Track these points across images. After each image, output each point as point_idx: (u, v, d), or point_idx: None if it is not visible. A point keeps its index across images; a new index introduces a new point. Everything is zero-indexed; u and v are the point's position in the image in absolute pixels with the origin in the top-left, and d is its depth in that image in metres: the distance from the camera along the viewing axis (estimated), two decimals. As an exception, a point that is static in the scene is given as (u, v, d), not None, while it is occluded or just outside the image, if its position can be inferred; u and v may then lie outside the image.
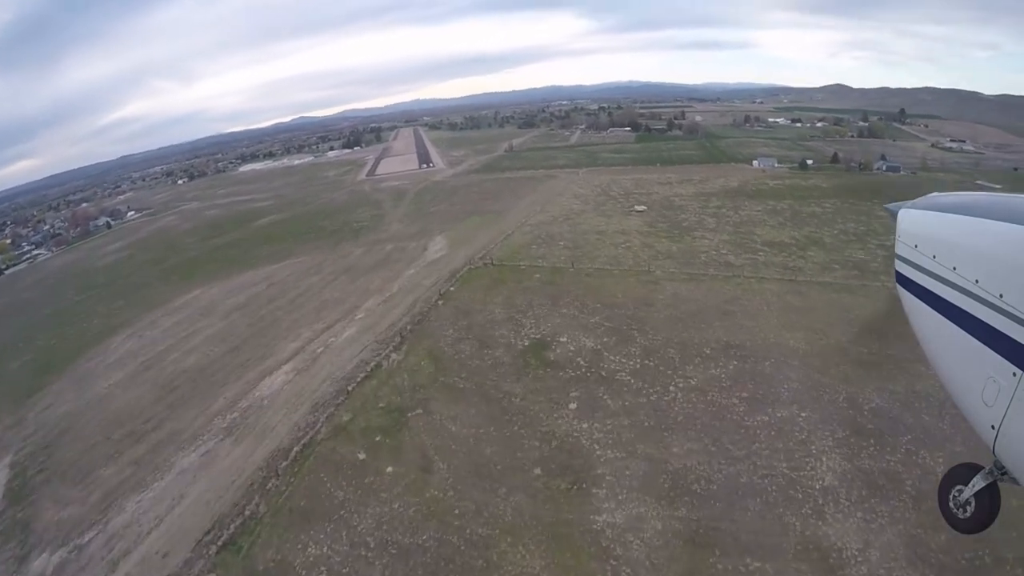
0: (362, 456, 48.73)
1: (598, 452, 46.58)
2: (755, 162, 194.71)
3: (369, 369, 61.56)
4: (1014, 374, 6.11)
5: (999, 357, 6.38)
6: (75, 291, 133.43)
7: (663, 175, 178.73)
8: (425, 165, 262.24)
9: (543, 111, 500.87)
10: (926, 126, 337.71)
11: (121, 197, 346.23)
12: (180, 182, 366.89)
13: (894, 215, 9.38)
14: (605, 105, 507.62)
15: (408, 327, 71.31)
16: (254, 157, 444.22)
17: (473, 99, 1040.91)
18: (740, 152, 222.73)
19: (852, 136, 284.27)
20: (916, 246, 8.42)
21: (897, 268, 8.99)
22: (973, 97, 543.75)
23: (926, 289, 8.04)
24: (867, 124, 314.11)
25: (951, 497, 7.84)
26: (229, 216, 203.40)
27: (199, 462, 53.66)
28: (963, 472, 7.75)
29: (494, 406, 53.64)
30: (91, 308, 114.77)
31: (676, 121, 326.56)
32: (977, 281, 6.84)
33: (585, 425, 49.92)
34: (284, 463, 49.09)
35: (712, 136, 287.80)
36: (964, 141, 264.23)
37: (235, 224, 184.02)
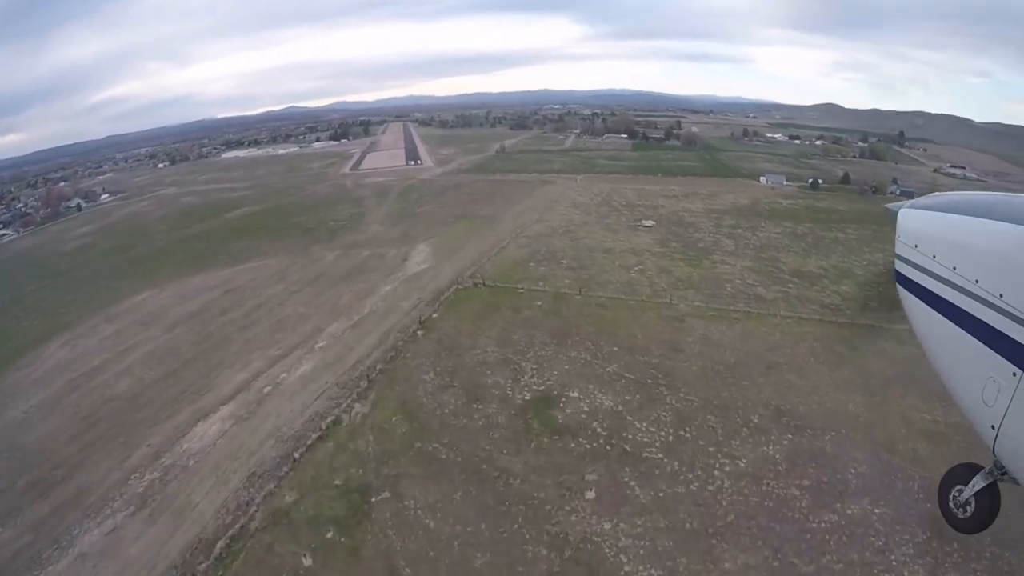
0: (307, 562, 35.15)
1: (627, 569, 33.55)
2: (763, 179, 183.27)
3: (325, 426, 47.61)
4: (1014, 374, 6.22)
5: (999, 357, 6.46)
6: (29, 280, 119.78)
7: (666, 187, 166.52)
8: (413, 162, 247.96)
9: (535, 113, 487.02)
10: (925, 150, 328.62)
11: (100, 178, 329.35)
12: (161, 166, 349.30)
13: (894, 215, 9.45)
14: (599, 111, 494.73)
15: (378, 367, 57.40)
16: (239, 144, 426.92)
17: (465, 98, 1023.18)
18: (743, 167, 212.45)
19: (854, 156, 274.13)
20: (916, 246, 8.46)
21: (897, 268, 9.18)
22: (965, 124, 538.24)
23: (926, 289, 8.02)
24: (867, 145, 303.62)
25: (951, 497, 8.01)
26: (204, 205, 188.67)
27: (102, 544, 39.77)
28: (963, 472, 7.88)
29: (486, 490, 40.11)
30: (39, 302, 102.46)
31: (673, 131, 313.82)
32: (977, 281, 6.89)
33: (608, 525, 36.77)
34: (204, 563, 35.27)
35: (711, 148, 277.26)
36: (964, 167, 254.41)
37: (208, 214, 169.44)
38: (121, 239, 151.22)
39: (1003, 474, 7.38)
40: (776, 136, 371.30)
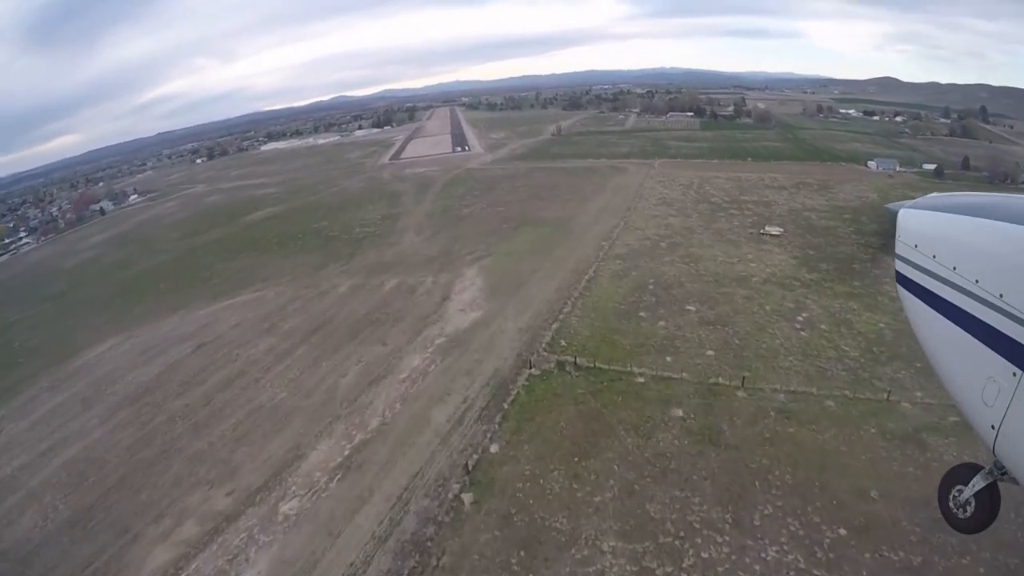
0: None
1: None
2: (872, 163, 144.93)
3: None
4: (1014, 374, 5.92)
5: (999, 357, 6.18)
6: (14, 308, 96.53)
7: (764, 174, 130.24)
8: (459, 148, 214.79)
9: (587, 93, 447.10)
10: (1012, 127, 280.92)
11: (139, 176, 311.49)
12: (199, 161, 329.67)
13: (894, 215, 9.02)
14: (652, 89, 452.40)
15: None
16: (281, 135, 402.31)
17: (512, 81, 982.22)
18: (835, 148, 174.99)
19: (946, 135, 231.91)
20: (916, 246, 8.14)
21: (897, 268, 8.72)
22: None
23: (926, 289, 7.80)
24: (957, 121, 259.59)
25: (951, 497, 7.60)
26: (227, 205, 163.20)
27: None
28: (963, 472, 7.52)
29: None
30: (7, 344, 79.19)
31: (743, 108, 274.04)
32: (977, 281, 6.64)
33: None
34: None
35: (789, 126, 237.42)
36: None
37: (227, 217, 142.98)
38: (127, 251, 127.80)
39: (1003, 474, 6.81)
40: (850, 112, 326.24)
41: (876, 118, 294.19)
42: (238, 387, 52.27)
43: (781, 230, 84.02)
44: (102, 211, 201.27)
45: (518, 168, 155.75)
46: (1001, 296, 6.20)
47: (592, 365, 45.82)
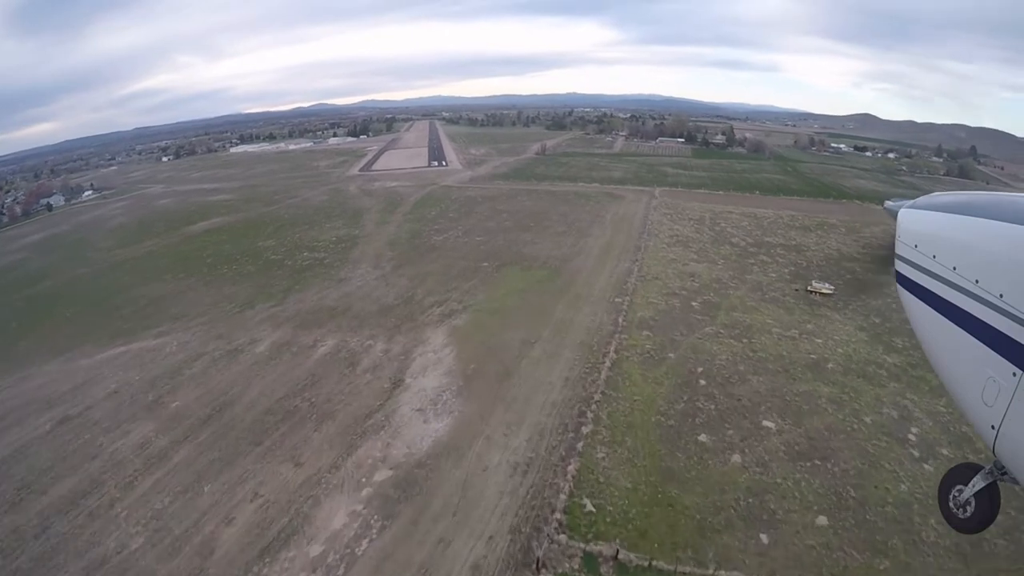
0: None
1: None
2: (889, 203, 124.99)
3: None
4: (1014, 374, 5.79)
5: (999, 357, 6.04)
6: None
7: (780, 211, 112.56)
8: (436, 163, 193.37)
9: (570, 115, 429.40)
10: (1002, 168, 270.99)
11: (103, 171, 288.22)
12: (165, 159, 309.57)
13: (894, 215, 8.90)
14: (635, 114, 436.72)
15: None
16: (253, 138, 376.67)
17: (494, 99, 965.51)
18: (841, 184, 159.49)
19: (943, 174, 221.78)
20: (916, 246, 7.98)
21: (897, 268, 8.51)
22: (1007, 138, 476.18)
23: (926, 289, 7.62)
24: (951, 161, 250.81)
25: (951, 497, 7.46)
26: (174, 211, 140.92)
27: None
28: (963, 472, 7.39)
29: None
30: None
31: (736, 137, 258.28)
32: (977, 281, 6.50)
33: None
34: None
35: (783, 159, 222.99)
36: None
37: (171, 224, 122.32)
38: (51, 259, 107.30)
39: (1003, 474, 6.68)
40: (840, 146, 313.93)
41: (868, 154, 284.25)
42: (84, 513, 32.39)
43: (832, 288, 64.71)
44: (49, 207, 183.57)
45: (500, 189, 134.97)
46: (1001, 296, 5.96)
47: (647, 564, 24.62)
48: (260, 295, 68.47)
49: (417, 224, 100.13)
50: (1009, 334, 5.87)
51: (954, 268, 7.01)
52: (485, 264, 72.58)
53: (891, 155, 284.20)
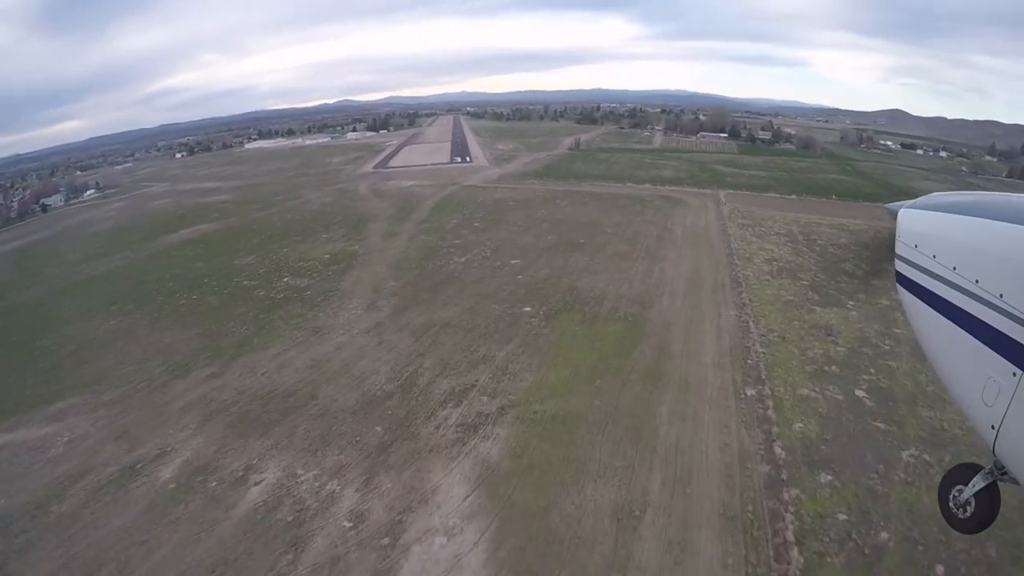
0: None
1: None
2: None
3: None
4: (1014, 374, 5.59)
5: (999, 357, 5.84)
6: None
7: (870, 221, 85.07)
8: (459, 159, 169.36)
9: (597, 109, 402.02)
10: None
11: (118, 168, 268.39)
12: (178, 156, 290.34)
13: (894, 215, 8.63)
14: (665, 108, 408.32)
15: None
16: (272, 134, 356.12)
17: (519, 95, 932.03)
18: (911, 187, 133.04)
19: (1006, 176, 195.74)
20: (916, 246, 7.75)
21: (897, 268, 8.25)
22: None
23: (926, 289, 7.38)
24: (1006, 161, 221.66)
25: (951, 497, 7.22)
26: (164, 215, 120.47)
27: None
28: (963, 472, 7.15)
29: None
30: None
31: (783, 132, 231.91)
32: (977, 281, 6.28)
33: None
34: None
35: (838, 157, 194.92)
36: None
37: (150, 234, 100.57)
38: (7, 276, 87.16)
39: (1003, 474, 6.46)
40: (888, 143, 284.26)
41: (919, 152, 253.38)
42: None
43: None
44: (43, 208, 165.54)
45: (535, 190, 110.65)
46: (1001, 296, 5.79)
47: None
48: (204, 352, 45.85)
49: (433, 237, 76.71)
50: (1009, 334, 5.60)
51: (954, 268, 6.71)
52: (527, 309, 48.59)
53: (943, 154, 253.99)
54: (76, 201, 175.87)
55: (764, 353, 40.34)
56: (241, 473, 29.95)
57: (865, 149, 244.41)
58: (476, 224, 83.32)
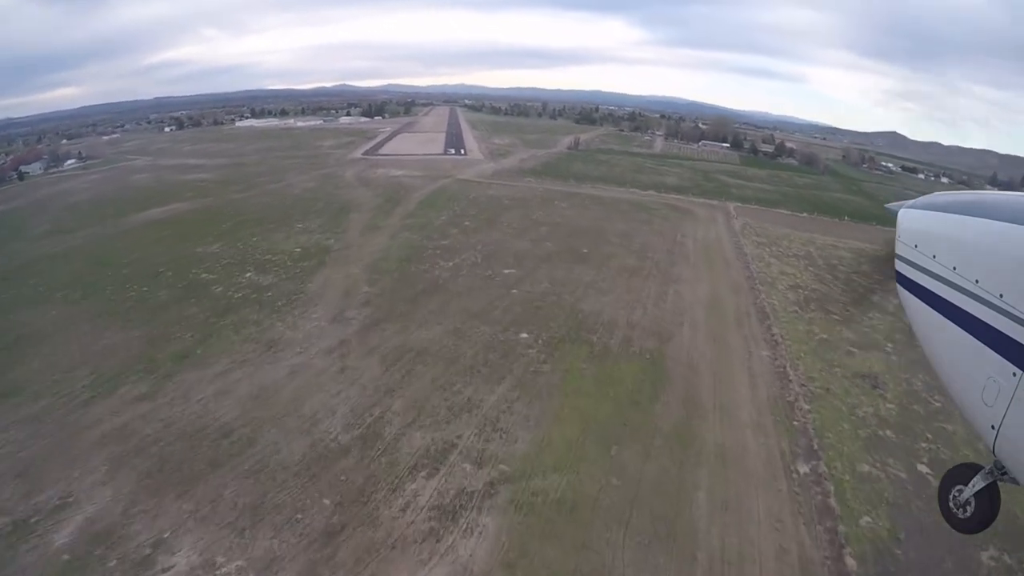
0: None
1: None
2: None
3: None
4: (1014, 374, 5.55)
5: (999, 357, 5.80)
6: None
7: (888, 247, 76.37)
8: (453, 151, 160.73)
9: (596, 111, 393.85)
10: None
11: (105, 138, 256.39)
12: (167, 130, 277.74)
13: (894, 215, 8.63)
14: (665, 115, 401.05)
15: None
16: (265, 113, 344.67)
17: (518, 91, 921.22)
18: None
19: None
20: (916, 246, 7.72)
21: (897, 268, 8.25)
22: None
23: (926, 289, 7.37)
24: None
25: (951, 497, 7.19)
26: (141, 190, 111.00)
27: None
28: (963, 472, 7.14)
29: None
30: None
31: (786, 146, 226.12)
32: (977, 281, 6.24)
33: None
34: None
35: (841, 176, 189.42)
36: None
37: (121, 210, 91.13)
38: None
39: (1003, 474, 6.44)
40: (888, 165, 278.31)
41: (921, 176, 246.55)
42: None
43: None
44: (20, 176, 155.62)
45: (532, 189, 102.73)
46: (1001, 296, 5.75)
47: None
48: (139, 363, 37.77)
49: (418, 235, 68.63)
50: (1009, 334, 5.56)
51: (954, 268, 6.68)
52: (523, 336, 40.56)
53: (944, 180, 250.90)
54: (55, 170, 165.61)
55: (810, 411, 32.86)
56: (148, 551, 22.04)
57: (867, 170, 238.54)
58: (467, 223, 75.28)
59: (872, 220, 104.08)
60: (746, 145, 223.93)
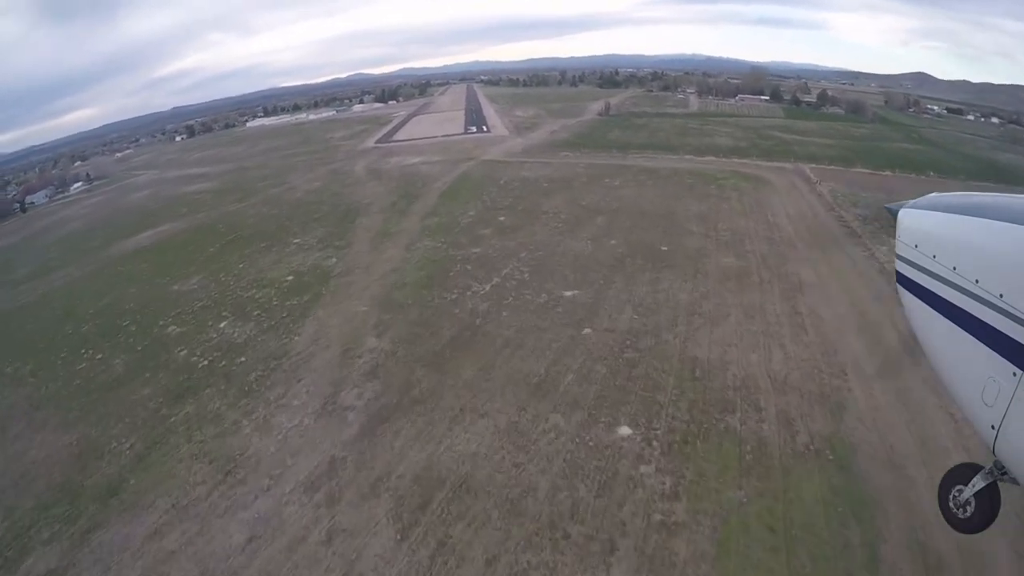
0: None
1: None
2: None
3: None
4: (1014, 374, 5.47)
5: (999, 357, 5.71)
6: None
7: None
8: (475, 129, 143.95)
9: (616, 74, 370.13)
10: None
11: (118, 155, 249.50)
12: (178, 139, 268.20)
13: (895, 215, 8.43)
14: (688, 72, 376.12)
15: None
16: (278, 111, 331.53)
17: (532, 63, 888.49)
18: (993, 158, 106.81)
19: None
20: (916, 246, 7.59)
21: (897, 268, 8.16)
22: None
23: (926, 289, 7.25)
24: None
25: (951, 497, 7.08)
26: (136, 210, 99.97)
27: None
28: (963, 472, 7.04)
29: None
30: None
31: (829, 95, 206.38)
32: (977, 281, 6.14)
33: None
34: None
35: (893, 123, 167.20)
36: None
37: (114, 236, 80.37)
38: None
39: (1003, 474, 6.32)
40: (933, 108, 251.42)
41: (971, 118, 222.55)
42: None
43: None
44: (23, 208, 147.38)
45: (571, 165, 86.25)
46: (1001, 296, 5.62)
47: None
48: (60, 499, 25.38)
49: (442, 242, 53.21)
50: (1009, 334, 5.46)
51: (954, 268, 6.55)
52: (625, 432, 24.21)
53: (995, 120, 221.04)
54: (60, 197, 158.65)
55: None
56: None
57: (914, 114, 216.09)
58: (502, 219, 59.38)
59: (960, 174, 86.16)
60: (786, 96, 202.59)
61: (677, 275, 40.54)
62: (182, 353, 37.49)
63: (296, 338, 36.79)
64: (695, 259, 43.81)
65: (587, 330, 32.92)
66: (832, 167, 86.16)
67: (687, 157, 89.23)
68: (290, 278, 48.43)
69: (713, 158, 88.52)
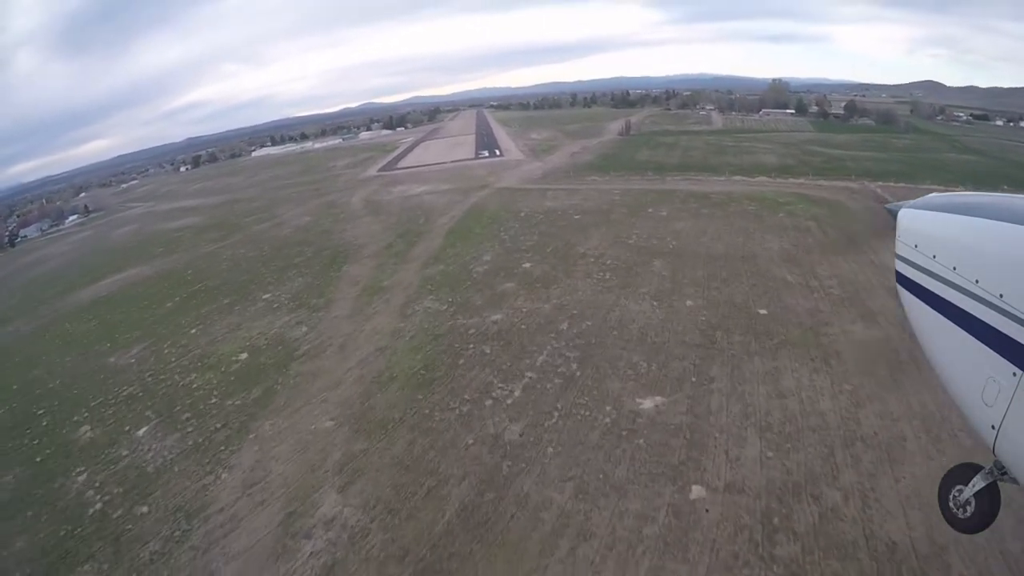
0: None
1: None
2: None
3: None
4: (1014, 374, 5.35)
5: (999, 357, 5.59)
6: None
7: None
8: (487, 153, 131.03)
9: (627, 95, 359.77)
10: None
11: (123, 185, 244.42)
12: (183, 169, 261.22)
13: (894, 215, 8.15)
14: (700, 90, 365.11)
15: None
16: (284, 140, 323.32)
17: (540, 88, 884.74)
18: None
19: None
20: (916, 246, 7.37)
21: (897, 268, 7.85)
22: None
23: (926, 289, 7.04)
24: None
25: (951, 497, 6.89)
26: (114, 249, 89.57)
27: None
28: (963, 472, 6.85)
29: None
30: None
31: (858, 105, 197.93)
32: (977, 281, 5.99)
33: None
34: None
35: (929, 133, 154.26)
36: None
37: (78, 281, 70.07)
38: None
39: (1003, 474, 6.19)
40: (960, 115, 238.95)
41: (999, 124, 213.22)
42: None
43: None
44: (12, 242, 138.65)
45: (604, 192, 72.93)
46: (1001, 296, 5.51)
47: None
48: None
49: (447, 304, 39.62)
50: (1009, 334, 5.35)
51: (954, 268, 6.38)
52: None
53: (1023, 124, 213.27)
54: (53, 230, 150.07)
55: None
56: None
57: (944, 122, 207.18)
58: (526, 265, 45.77)
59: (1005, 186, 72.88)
60: (812, 109, 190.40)
61: (799, 360, 26.62)
62: (80, 479, 25.27)
63: (224, 475, 23.39)
64: (813, 329, 29.91)
65: (696, 490, 18.93)
66: (900, 184, 73.31)
67: (735, 178, 75.80)
68: (243, 356, 35.12)
69: (765, 179, 75.11)
